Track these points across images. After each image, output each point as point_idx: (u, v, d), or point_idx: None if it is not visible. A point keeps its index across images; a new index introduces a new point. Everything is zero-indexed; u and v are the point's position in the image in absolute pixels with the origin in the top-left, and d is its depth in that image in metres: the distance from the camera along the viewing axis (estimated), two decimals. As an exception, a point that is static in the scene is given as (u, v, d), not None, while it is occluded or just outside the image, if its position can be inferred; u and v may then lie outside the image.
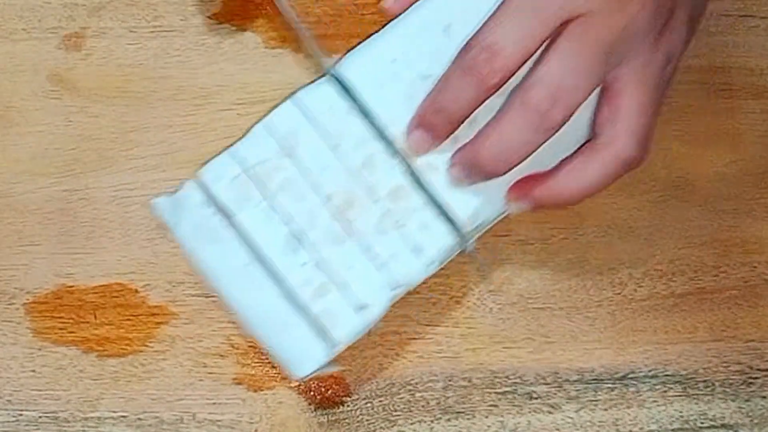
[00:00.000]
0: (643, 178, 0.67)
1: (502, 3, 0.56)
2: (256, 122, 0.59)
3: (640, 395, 0.64)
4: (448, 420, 0.63)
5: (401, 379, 0.63)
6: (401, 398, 0.63)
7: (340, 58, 0.61)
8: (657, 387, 0.64)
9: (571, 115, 0.55)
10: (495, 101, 0.57)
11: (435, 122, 0.57)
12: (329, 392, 0.63)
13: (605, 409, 0.64)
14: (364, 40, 0.60)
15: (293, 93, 0.59)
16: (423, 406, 0.63)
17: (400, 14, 0.60)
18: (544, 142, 0.56)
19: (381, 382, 0.63)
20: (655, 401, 0.64)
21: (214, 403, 0.62)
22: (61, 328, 0.62)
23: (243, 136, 0.59)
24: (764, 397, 0.65)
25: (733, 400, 0.65)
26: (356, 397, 0.63)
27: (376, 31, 0.60)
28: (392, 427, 0.63)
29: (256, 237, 0.58)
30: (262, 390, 0.63)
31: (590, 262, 0.66)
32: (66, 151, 0.64)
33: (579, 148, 0.58)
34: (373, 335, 0.64)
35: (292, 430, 0.62)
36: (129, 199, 0.63)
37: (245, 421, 0.62)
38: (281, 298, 0.59)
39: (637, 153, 0.56)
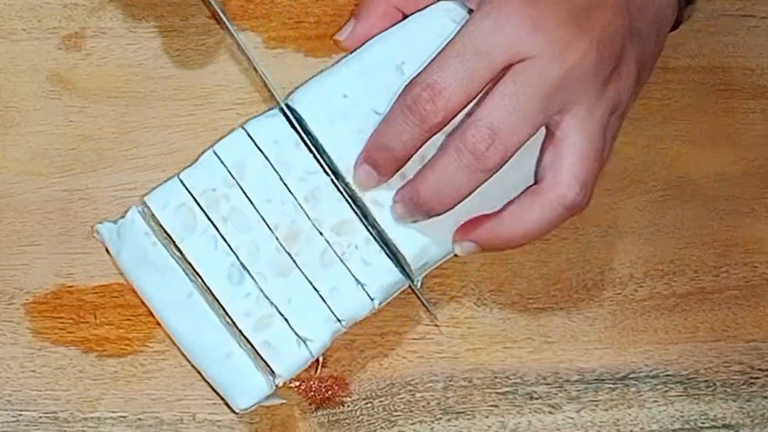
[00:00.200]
0: (643, 178, 0.67)
1: (446, 44, 0.56)
2: (206, 149, 0.60)
3: (641, 395, 0.64)
4: (449, 420, 0.63)
5: (401, 379, 0.63)
6: (401, 398, 0.63)
7: (337, 61, 0.62)
8: (658, 387, 0.64)
9: (509, 157, 0.56)
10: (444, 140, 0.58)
11: (379, 159, 0.58)
12: (329, 392, 0.63)
13: (606, 410, 0.64)
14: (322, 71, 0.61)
15: (244, 123, 0.60)
16: (423, 407, 0.63)
17: (354, 50, 0.61)
18: (482, 183, 0.56)
19: (381, 382, 0.63)
20: (655, 401, 0.64)
21: (214, 403, 0.62)
22: (60, 328, 0.62)
23: (192, 162, 0.60)
24: (765, 397, 0.65)
25: (734, 400, 0.65)
26: (356, 397, 0.63)
27: (329, 66, 0.60)
28: (392, 427, 0.63)
29: (199, 266, 0.59)
30: (262, 390, 0.63)
31: (590, 262, 0.66)
32: (66, 151, 0.64)
33: (523, 192, 0.58)
34: (373, 335, 0.64)
35: (292, 430, 0.62)
36: (129, 199, 0.63)
37: (245, 421, 0.62)
38: (223, 329, 0.59)
39: (578, 197, 0.57)
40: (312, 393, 0.63)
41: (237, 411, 0.60)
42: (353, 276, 0.59)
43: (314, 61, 0.66)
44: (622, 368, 0.65)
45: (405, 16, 0.62)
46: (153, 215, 0.59)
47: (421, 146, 0.57)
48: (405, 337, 0.64)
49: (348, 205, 0.60)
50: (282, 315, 0.59)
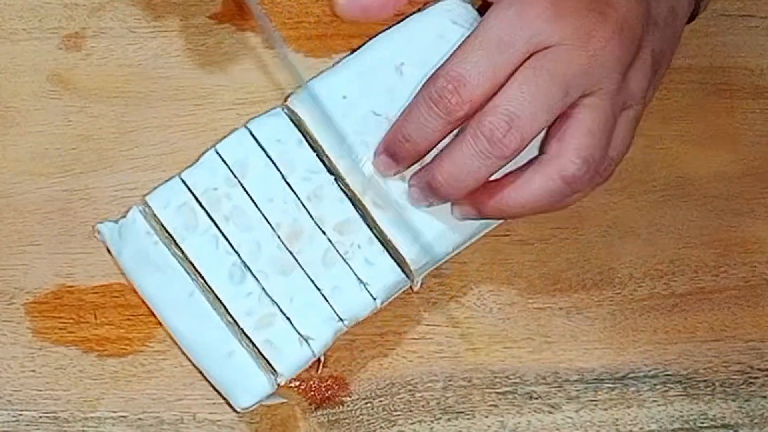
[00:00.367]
0: (643, 178, 0.67)
1: (469, 35, 0.56)
2: (208, 148, 0.60)
3: (641, 395, 0.64)
4: (448, 420, 0.63)
5: (401, 379, 0.63)
6: (401, 398, 0.63)
7: (337, 62, 0.62)
8: (657, 387, 0.64)
9: (526, 145, 0.56)
10: None
11: (400, 150, 0.58)
12: (329, 392, 0.63)
13: (605, 409, 0.64)
14: (363, 43, 0.61)
15: (247, 122, 0.60)
16: (423, 406, 0.63)
17: (351, 51, 0.61)
18: (498, 169, 0.56)
19: (381, 382, 0.63)
20: (655, 401, 0.64)
21: (214, 403, 0.62)
22: (61, 328, 0.62)
23: (193, 162, 0.60)
24: (765, 397, 0.65)
25: (733, 400, 0.65)
26: (356, 397, 0.63)
27: (329, 67, 0.60)
28: (392, 427, 0.63)
29: (201, 265, 0.59)
30: (262, 390, 0.63)
31: (590, 262, 0.66)
32: (66, 151, 0.64)
33: (527, 162, 0.58)
34: (373, 335, 0.64)
35: (292, 430, 0.62)
36: (129, 199, 0.63)
37: (246, 421, 0.62)
38: (225, 328, 0.59)
39: (579, 172, 0.56)
40: (312, 393, 0.63)
41: (238, 410, 0.60)
42: (355, 275, 0.59)
43: (314, 61, 0.66)
44: (621, 368, 0.65)
45: (408, 16, 0.62)
46: (154, 215, 0.59)
47: (443, 138, 0.57)
48: (405, 337, 0.64)
49: (351, 205, 0.60)
50: (284, 314, 0.59)
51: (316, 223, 0.59)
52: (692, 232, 0.67)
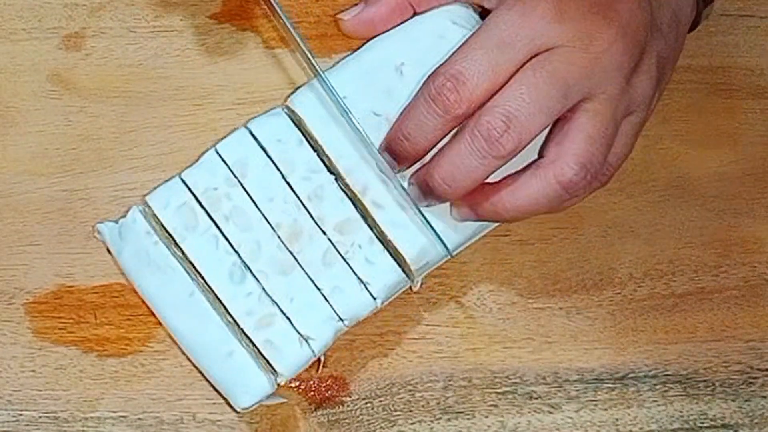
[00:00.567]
0: (643, 178, 0.67)
1: (471, 35, 0.56)
2: (208, 148, 0.60)
3: (640, 395, 0.64)
4: (448, 420, 0.63)
5: (401, 379, 0.63)
6: (401, 398, 0.63)
7: (337, 62, 0.62)
8: (657, 387, 0.64)
9: (524, 145, 0.56)
10: None
11: (399, 148, 0.58)
12: (329, 392, 0.63)
13: (605, 409, 0.64)
14: (363, 44, 0.61)
15: (247, 122, 0.60)
16: (423, 406, 0.63)
17: (353, 39, 0.62)
18: (495, 169, 0.56)
19: (381, 382, 0.63)
20: (655, 401, 0.64)
21: (214, 403, 0.62)
22: (61, 328, 0.62)
23: (194, 162, 0.60)
24: (764, 397, 0.65)
25: (733, 400, 0.65)
26: (356, 397, 0.63)
27: (329, 67, 0.60)
28: (392, 427, 0.63)
29: (201, 265, 0.59)
30: (262, 390, 0.63)
31: (590, 262, 0.66)
32: (66, 151, 0.64)
33: (526, 166, 0.58)
34: (373, 335, 0.64)
35: (292, 430, 0.62)
36: (129, 199, 0.63)
37: (245, 421, 0.62)
38: (225, 328, 0.59)
39: (576, 177, 0.56)
40: (312, 393, 0.63)
41: (238, 410, 0.60)
42: (356, 275, 0.59)
43: (316, 60, 0.66)
44: (621, 368, 0.65)
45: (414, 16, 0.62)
46: (154, 215, 0.59)
47: (443, 137, 0.57)
48: (405, 337, 0.64)
49: (351, 204, 0.60)
50: (284, 314, 0.59)
51: (316, 222, 0.59)
52: (692, 232, 0.67)
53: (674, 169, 0.67)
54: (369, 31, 0.62)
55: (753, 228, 0.67)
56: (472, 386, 0.64)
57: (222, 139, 0.60)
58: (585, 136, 0.56)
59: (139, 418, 0.62)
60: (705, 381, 0.65)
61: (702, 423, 0.64)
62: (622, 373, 0.65)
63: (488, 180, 0.57)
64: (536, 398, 0.64)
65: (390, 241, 0.59)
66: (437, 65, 0.57)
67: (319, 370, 0.63)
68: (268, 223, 0.59)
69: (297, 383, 0.63)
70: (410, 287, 0.62)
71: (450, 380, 0.64)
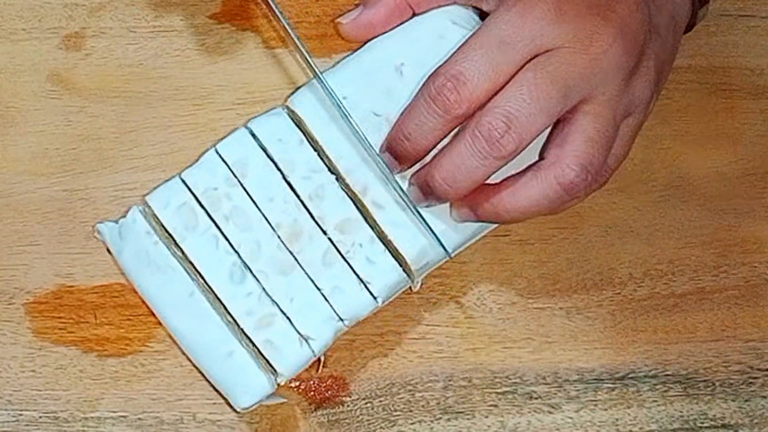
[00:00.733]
0: (643, 178, 0.67)
1: (471, 35, 0.56)
2: (208, 148, 0.60)
3: (640, 395, 0.64)
4: (448, 420, 0.63)
5: (401, 379, 0.63)
6: (401, 398, 0.63)
7: (337, 62, 0.62)
8: (657, 387, 0.64)
9: (524, 146, 0.56)
10: None
11: (399, 148, 0.58)
12: (329, 392, 0.63)
13: (605, 409, 0.64)
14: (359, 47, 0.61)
15: (247, 121, 0.60)
16: (423, 406, 0.63)
17: (353, 42, 0.62)
18: (496, 170, 0.56)
19: (381, 382, 0.63)
20: (655, 401, 0.64)
21: (214, 403, 0.62)
22: (61, 328, 0.62)
23: (194, 162, 0.60)
24: (764, 397, 0.65)
25: (733, 400, 0.65)
26: (356, 397, 0.63)
27: (329, 67, 0.60)
28: (392, 427, 0.63)
29: (201, 265, 0.59)
30: (262, 390, 0.63)
31: (590, 262, 0.66)
32: (66, 151, 0.64)
33: (526, 167, 0.58)
34: (373, 335, 0.64)
35: (292, 430, 0.62)
36: (129, 199, 0.63)
37: (245, 421, 0.62)
38: (225, 328, 0.59)
39: (577, 179, 0.56)
40: (312, 393, 0.63)
41: (238, 410, 0.60)
42: (356, 275, 0.59)
43: (314, 61, 0.66)
44: (621, 368, 0.65)
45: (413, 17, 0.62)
46: (154, 215, 0.59)
47: (443, 137, 0.57)
48: (405, 337, 0.64)
49: (352, 204, 0.60)
50: (284, 314, 0.59)
51: (316, 222, 0.59)
52: (692, 232, 0.67)
53: (674, 169, 0.67)
54: (368, 34, 0.62)
55: (753, 228, 0.67)
56: (472, 386, 0.64)
57: (222, 139, 0.60)
58: (585, 138, 0.56)
59: (139, 418, 0.62)
60: (705, 381, 0.65)
61: (702, 423, 0.64)
62: (622, 373, 0.65)
63: (488, 182, 0.58)
64: (536, 398, 0.64)
65: (390, 241, 0.59)
66: (437, 65, 0.57)
67: (319, 370, 0.63)
68: (268, 223, 0.59)
69: (297, 383, 0.63)
70: (410, 287, 0.62)
71: (450, 380, 0.64)
